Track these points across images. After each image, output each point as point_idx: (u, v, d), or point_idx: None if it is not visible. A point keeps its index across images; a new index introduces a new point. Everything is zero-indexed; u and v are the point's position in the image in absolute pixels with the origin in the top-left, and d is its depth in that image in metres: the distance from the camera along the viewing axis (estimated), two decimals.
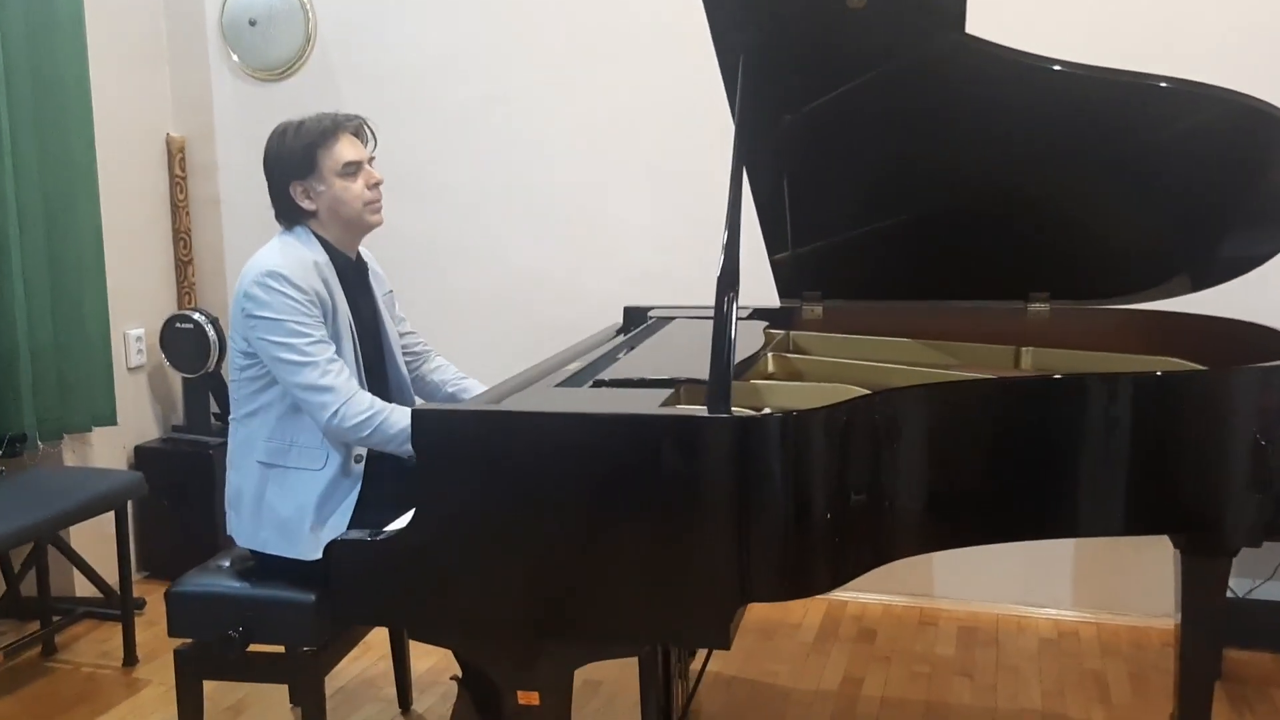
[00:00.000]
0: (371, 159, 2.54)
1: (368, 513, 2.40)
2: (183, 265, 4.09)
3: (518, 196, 3.79)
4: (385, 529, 2.04)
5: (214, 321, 3.85)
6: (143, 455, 3.89)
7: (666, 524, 1.80)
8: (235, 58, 4.00)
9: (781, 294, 2.98)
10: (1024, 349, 2.70)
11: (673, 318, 2.94)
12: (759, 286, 3.52)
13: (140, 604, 3.41)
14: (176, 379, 4.02)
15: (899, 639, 3.35)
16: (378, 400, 2.39)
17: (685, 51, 3.56)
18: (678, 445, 1.80)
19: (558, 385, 2.13)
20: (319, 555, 2.39)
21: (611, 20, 3.65)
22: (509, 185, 3.78)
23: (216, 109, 4.07)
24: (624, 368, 2.28)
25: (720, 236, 3.59)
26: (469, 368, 3.36)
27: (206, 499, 3.73)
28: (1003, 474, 2.07)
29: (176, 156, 4.04)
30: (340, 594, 1.97)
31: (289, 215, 2.52)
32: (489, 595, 1.87)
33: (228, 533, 2.59)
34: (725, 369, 1.86)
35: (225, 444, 3.80)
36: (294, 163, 2.46)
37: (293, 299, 2.37)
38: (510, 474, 1.84)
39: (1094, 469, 2.08)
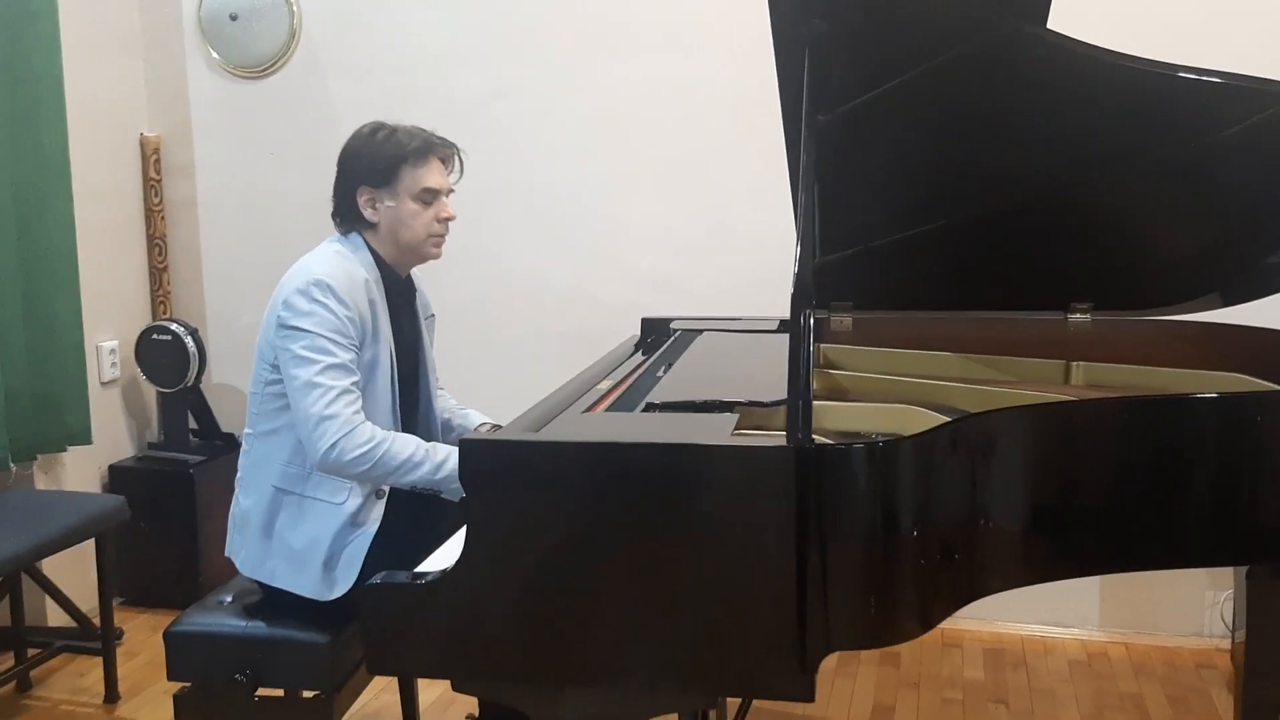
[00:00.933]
0: (451, 191, 2.39)
1: (379, 552, 2.24)
2: (157, 272, 3.86)
3: (518, 199, 3.62)
4: (422, 569, 1.85)
5: (193, 332, 3.64)
6: (117, 475, 3.65)
7: (746, 564, 1.64)
8: (215, 54, 3.78)
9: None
10: (1074, 364, 2.56)
11: (700, 330, 2.77)
12: (774, 295, 3.43)
13: (119, 634, 3.19)
14: (151, 393, 3.79)
15: (925, 662, 3.22)
16: (379, 430, 2.21)
17: (694, 47, 3.43)
18: (763, 477, 1.64)
19: (608, 409, 1.96)
20: (331, 595, 2.24)
21: (618, 11, 3.48)
22: (510, 187, 3.60)
23: (194, 107, 3.85)
24: (671, 389, 2.11)
25: (734, 241, 3.56)
26: (470, 381, 3.20)
27: (187, 521, 3.52)
28: (1112, 501, 1.93)
29: (151, 157, 3.81)
30: (378, 644, 1.78)
31: (347, 218, 2.36)
32: (550, 642, 1.69)
33: (226, 553, 2.41)
34: (805, 393, 1.71)
35: (205, 462, 3.68)
36: (373, 168, 2.30)
37: (334, 314, 2.20)
38: (575, 509, 1.68)
39: (1208, 494, 1.94)
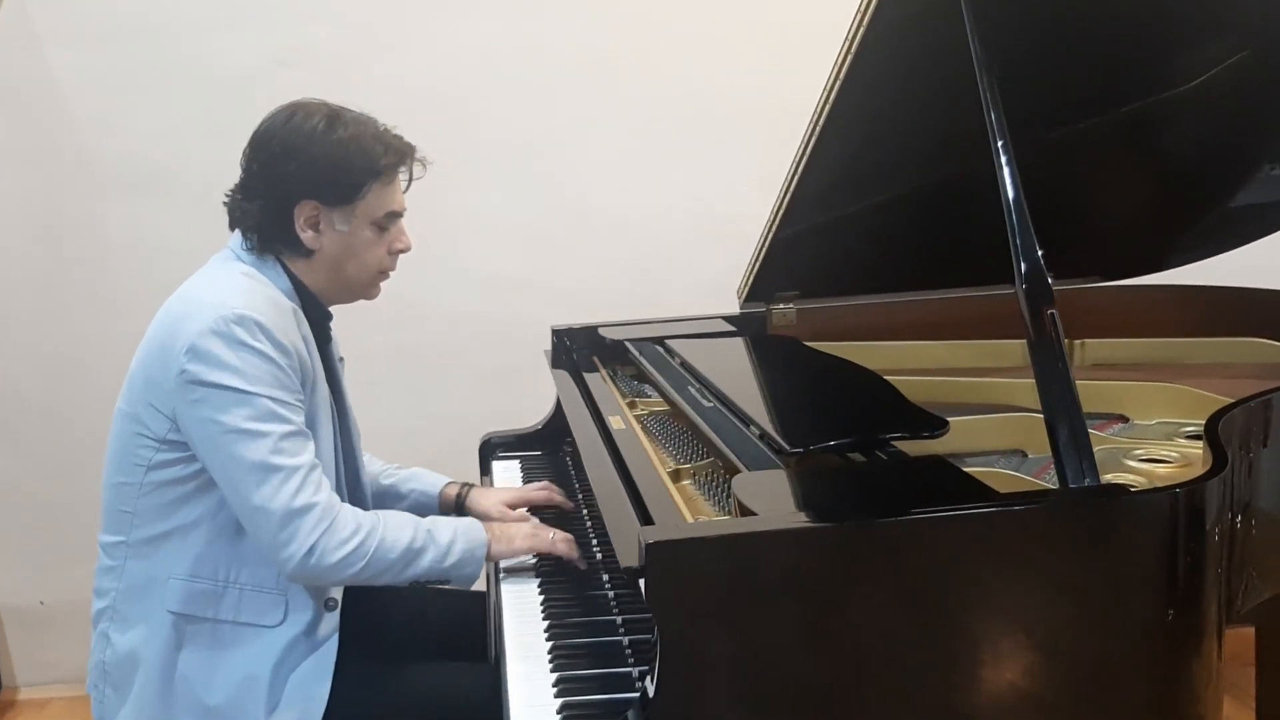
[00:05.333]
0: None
1: (342, 673, 1.66)
2: None
3: None
4: None
5: None
6: None
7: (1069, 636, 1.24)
8: None
9: (749, 297, 2.42)
10: (1076, 341, 2.35)
11: (654, 338, 2.27)
12: (652, 289, 3.00)
13: None
14: None
15: None
16: (361, 514, 1.62)
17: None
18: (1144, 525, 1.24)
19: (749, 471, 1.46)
20: None
21: None
22: None
23: None
24: (773, 424, 1.61)
25: (596, 232, 3.04)
26: None
27: None
28: None
29: None
30: None
31: (269, 237, 1.68)
32: None
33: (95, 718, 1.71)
34: (1081, 420, 1.32)
35: None
36: (332, 180, 1.65)
37: (274, 363, 1.56)
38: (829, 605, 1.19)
39: None
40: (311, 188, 1.65)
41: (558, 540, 1.73)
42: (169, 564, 1.63)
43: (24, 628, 3.08)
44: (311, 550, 1.53)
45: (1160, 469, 1.62)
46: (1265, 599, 1.57)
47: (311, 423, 1.65)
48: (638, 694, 1.21)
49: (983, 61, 1.53)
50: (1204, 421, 1.51)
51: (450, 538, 1.65)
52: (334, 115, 1.68)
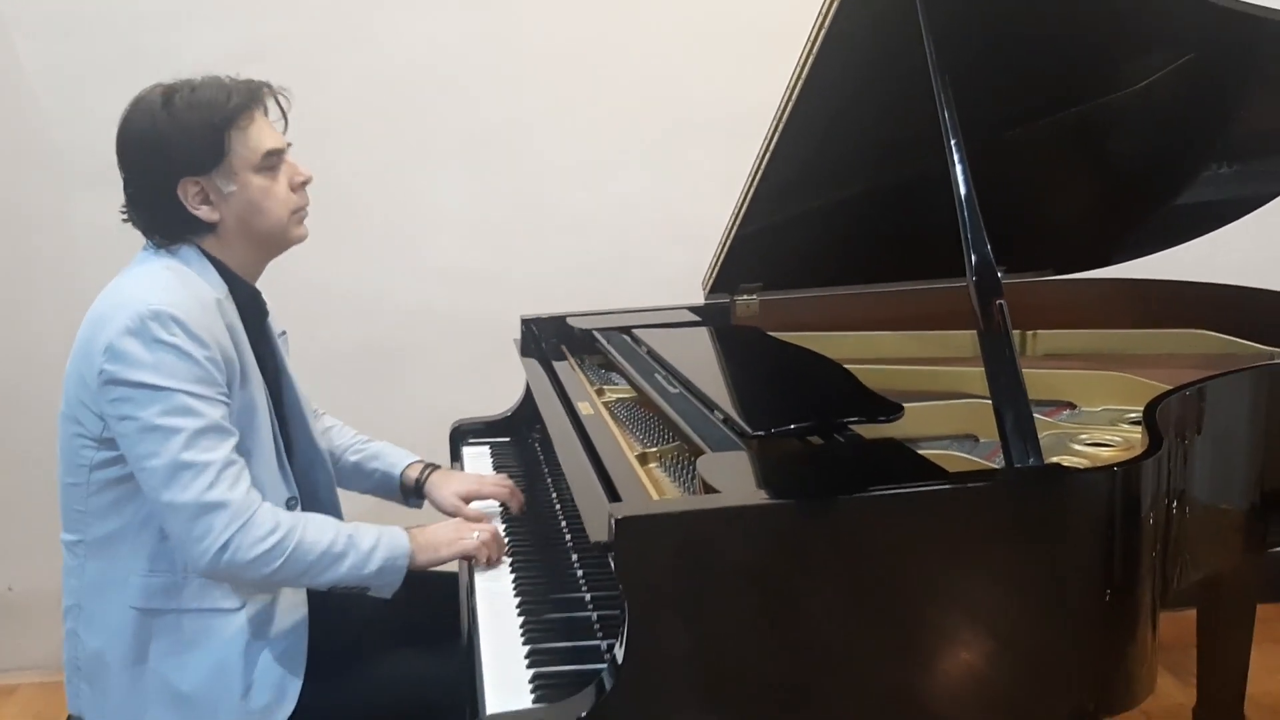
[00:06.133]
0: (289, 145, 1.76)
1: (313, 655, 1.71)
2: None
3: None
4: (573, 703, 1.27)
5: None
6: None
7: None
8: None
9: (713, 288, 2.48)
10: (1028, 333, 2.43)
11: (619, 328, 2.33)
12: (605, 284, 3.05)
13: None
14: None
15: None
16: (281, 512, 1.63)
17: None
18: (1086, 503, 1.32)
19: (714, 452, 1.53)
20: None
21: None
22: None
23: None
24: (736, 408, 1.68)
25: (552, 227, 3.09)
26: None
27: None
28: None
29: None
30: None
31: (172, 228, 1.69)
32: None
33: (72, 711, 1.75)
34: (1027, 406, 1.40)
35: None
36: (190, 150, 1.64)
37: (191, 358, 1.57)
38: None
39: None
40: (181, 165, 1.64)
41: (482, 541, 1.75)
42: (126, 561, 1.65)
43: None
44: (225, 546, 1.53)
45: (1104, 452, 1.71)
46: (1197, 579, 1.66)
47: (247, 412, 1.66)
48: (605, 664, 1.27)
49: (937, 65, 1.60)
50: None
51: (372, 545, 1.65)
52: (169, 90, 1.66)
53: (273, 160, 1.70)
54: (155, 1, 2.87)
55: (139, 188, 1.68)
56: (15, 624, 3.09)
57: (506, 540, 1.83)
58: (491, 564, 1.76)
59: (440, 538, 1.75)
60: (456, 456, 2.32)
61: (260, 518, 1.57)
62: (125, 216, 1.73)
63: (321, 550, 1.61)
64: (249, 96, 1.68)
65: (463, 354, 3.04)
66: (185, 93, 1.65)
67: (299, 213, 1.76)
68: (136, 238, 2.80)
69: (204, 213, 1.67)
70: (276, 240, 1.75)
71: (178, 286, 1.62)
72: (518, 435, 2.38)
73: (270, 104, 1.73)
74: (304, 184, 1.76)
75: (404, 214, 3.01)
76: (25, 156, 2.91)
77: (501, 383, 2.57)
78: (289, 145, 1.76)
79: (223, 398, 1.61)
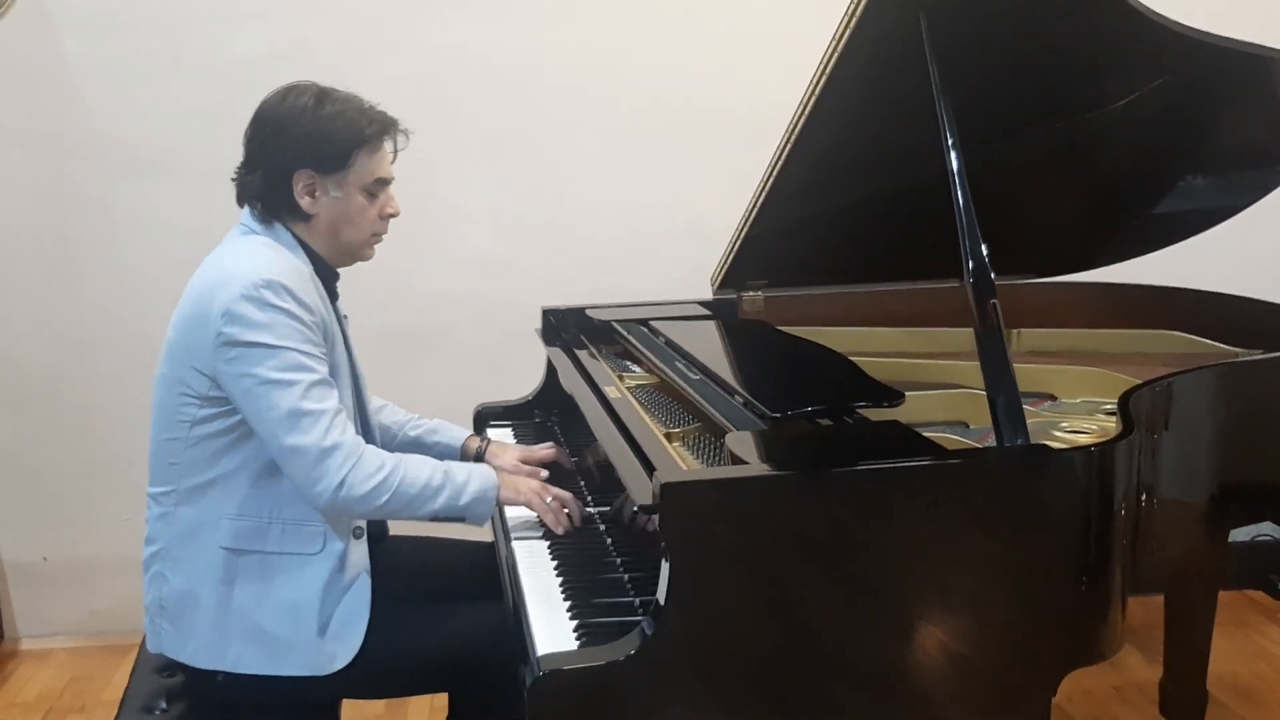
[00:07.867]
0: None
1: (376, 603, 1.88)
2: None
3: None
4: (621, 644, 1.43)
5: None
6: None
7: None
8: None
9: (722, 284, 2.66)
10: (1013, 331, 2.62)
11: (638, 321, 2.50)
12: (620, 278, 3.22)
13: None
14: None
15: None
16: (384, 453, 1.84)
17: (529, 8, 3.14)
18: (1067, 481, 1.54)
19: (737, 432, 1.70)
20: (331, 669, 1.84)
21: None
22: None
23: None
24: (754, 392, 1.86)
25: (572, 222, 3.26)
26: None
27: None
28: None
29: None
30: None
31: (272, 205, 1.88)
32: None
33: (152, 650, 1.92)
34: (1016, 394, 1.59)
35: None
36: (322, 151, 1.84)
37: (300, 320, 1.77)
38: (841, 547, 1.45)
39: None
40: (305, 158, 1.83)
41: (553, 503, 1.93)
42: (217, 507, 1.83)
43: (27, 583, 3.25)
44: (342, 484, 1.73)
45: (1082, 439, 1.89)
46: (1164, 556, 1.86)
47: (334, 374, 1.85)
48: (639, 616, 1.45)
49: (939, 83, 1.78)
50: None
51: (465, 479, 1.86)
52: (323, 93, 1.87)
53: (379, 187, 1.91)
54: (196, 2, 3.02)
55: (260, 158, 1.86)
56: (50, 591, 3.25)
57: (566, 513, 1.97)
58: (559, 526, 1.92)
59: (524, 484, 1.97)
60: (481, 437, 2.49)
61: (369, 457, 1.77)
62: (235, 177, 1.90)
63: (422, 484, 1.81)
64: (384, 127, 1.89)
65: (485, 340, 3.21)
66: (338, 103, 1.86)
67: (376, 238, 1.96)
68: (174, 226, 3.01)
69: (305, 203, 1.86)
70: (349, 252, 1.95)
71: (280, 260, 1.82)
72: (538, 418, 2.55)
73: (394, 139, 1.93)
74: (392, 216, 1.95)
75: (431, 208, 3.18)
76: (69, 147, 3.07)
77: (518, 370, 2.75)
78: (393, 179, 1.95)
79: (325, 355, 1.81)
